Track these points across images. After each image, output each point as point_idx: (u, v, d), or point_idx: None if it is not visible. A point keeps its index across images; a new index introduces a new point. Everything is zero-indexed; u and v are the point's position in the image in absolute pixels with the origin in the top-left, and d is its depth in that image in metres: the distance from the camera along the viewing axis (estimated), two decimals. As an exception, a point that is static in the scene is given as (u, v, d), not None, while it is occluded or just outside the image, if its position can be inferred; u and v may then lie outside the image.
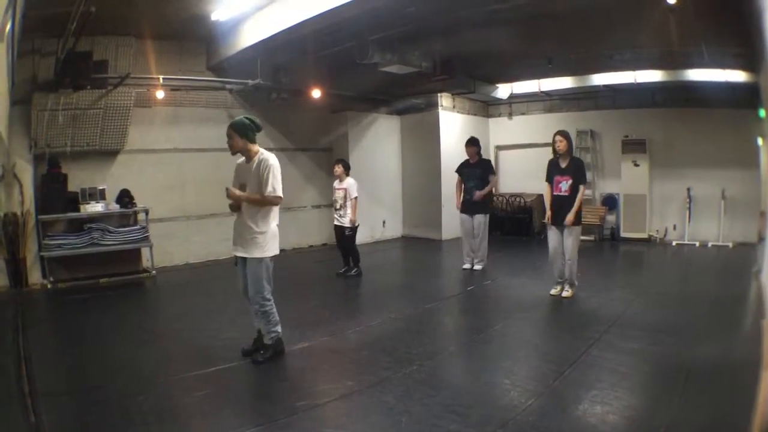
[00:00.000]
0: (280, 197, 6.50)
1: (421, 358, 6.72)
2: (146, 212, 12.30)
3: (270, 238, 6.57)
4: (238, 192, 6.48)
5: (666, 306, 9.04)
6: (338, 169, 11.78)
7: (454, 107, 17.73)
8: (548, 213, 9.63)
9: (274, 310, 6.73)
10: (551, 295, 9.66)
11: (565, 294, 9.51)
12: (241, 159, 6.77)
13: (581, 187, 9.37)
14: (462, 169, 12.35)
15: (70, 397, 5.77)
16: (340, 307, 9.89)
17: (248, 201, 6.48)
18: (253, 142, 6.62)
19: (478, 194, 11.85)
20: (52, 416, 5.19)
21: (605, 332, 7.50)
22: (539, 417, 5.01)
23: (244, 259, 6.61)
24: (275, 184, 6.42)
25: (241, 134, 6.50)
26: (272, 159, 6.51)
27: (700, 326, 7.86)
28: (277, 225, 6.73)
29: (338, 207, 11.75)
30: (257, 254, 6.50)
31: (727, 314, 8.26)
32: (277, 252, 6.70)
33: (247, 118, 6.64)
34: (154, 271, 12.30)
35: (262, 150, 6.62)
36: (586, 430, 4.83)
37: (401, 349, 7.07)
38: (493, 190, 12.42)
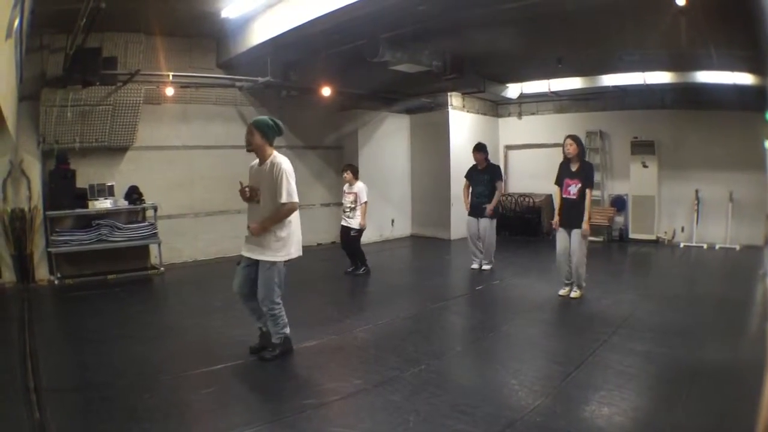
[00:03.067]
0: (296, 203, 6.44)
1: (428, 357, 6.72)
2: (155, 209, 12.31)
3: (286, 242, 6.52)
4: (260, 225, 6.41)
5: (673, 308, 9.03)
6: (347, 175, 11.79)
7: (463, 107, 17.70)
8: (556, 218, 9.63)
9: (283, 313, 6.71)
10: (559, 295, 9.64)
11: (573, 295, 9.49)
12: (255, 161, 6.75)
13: (587, 191, 9.36)
14: (471, 174, 12.40)
15: (75, 394, 5.79)
16: (348, 306, 9.94)
17: (271, 225, 6.43)
18: (271, 144, 6.62)
19: (490, 209, 11.91)
20: (57, 412, 5.20)
21: (613, 333, 7.49)
22: (546, 417, 5.00)
23: (254, 260, 6.58)
24: (290, 190, 6.36)
25: (262, 133, 6.51)
26: (285, 163, 6.45)
27: (706, 328, 7.87)
28: (294, 227, 6.66)
29: (347, 210, 11.79)
30: (270, 257, 6.45)
31: (734, 316, 8.23)
32: (293, 256, 6.65)
33: (271, 119, 6.64)
34: (162, 268, 12.32)
35: (276, 153, 6.59)
36: (592, 431, 4.82)
37: (409, 348, 7.08)
38: (501, 192, 12.34)
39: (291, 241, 6.58)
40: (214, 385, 5.91)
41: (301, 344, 7.07)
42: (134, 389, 5.75)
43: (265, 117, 6.66)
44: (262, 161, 6.59)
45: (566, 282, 9.70)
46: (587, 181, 9.38)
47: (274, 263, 6.47)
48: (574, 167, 9.47)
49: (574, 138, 9.51)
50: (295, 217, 6.62)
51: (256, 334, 6.97)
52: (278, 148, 6.71)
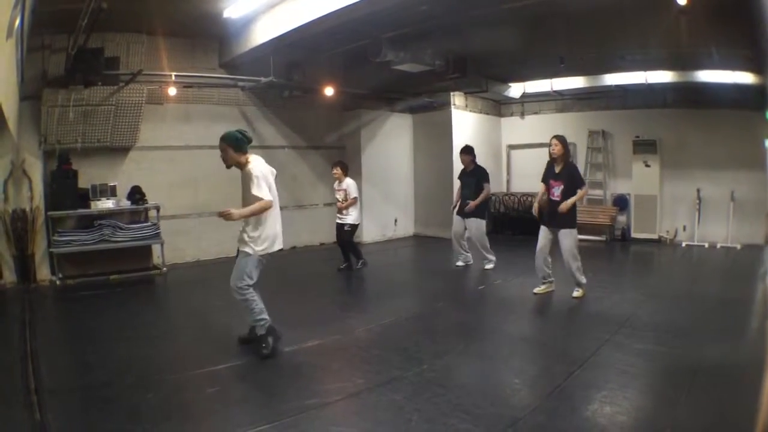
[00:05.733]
0: (264, 200, 6.64)
1: (431, 356, 6.73)
2: (157, 209, 12.31)
3: (263, 239, 6.80)
4: (234, 211, 6.58)
5: (675, 307, 9.03)
6: (337, 171, 12.05)
7: (466, 106, 17.67)
8: (536, 206, 9.84)
9: (255, 297, 6.85)
10: (534, 293, 9.80)
11: (575, 294, 9.46)
12: None
13: (580, 191, 9.45)
14: (461, 177, 12.66)
15: (76, 394, 5.79)
16: (350, 305, 9.93)
17: (245, 216, 6.72)
18: (245, 152, 6.85)
19: (472, 205, 12.08)
20: (58, 414, 5.20)
21: (615, 333, 7.49)
22: (549, 417, 5.01)
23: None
24: (256, 191, 6.61)
25: (234, 147, 6.77)
26: (256, 168, 6.73)
27: (708, 327, 7.87)
28: (271, 227, 6.90)
29: (341, 208, 12.04)
30: (247, 249, 6.76)
31: (735, 315, 8.24)
32: (269, 250, 6.88)
33: (238, 131, 6.91)
34: (164, 268, 12.32)
35: (251, 159, 6.87)
36: (595, 431, 4.82)
37: (411, 347, 7.08)
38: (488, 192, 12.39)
39: (266, 237, 6.83)
40: (217, 385, 5.92)
41: (303, 344, 7.11)
42: (136, 389, 5.76)
43: (232, 131, 6.91)
44: (243, 170, 6.82)
45: (543, 280, 9.85)
46: (575, 183, 9.42)
47: (249, 254, 6.76)
48: (557, 168, 9.51)
49: (560, 138, 9.51)
50: (270, 216, 6.87)
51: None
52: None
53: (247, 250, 6.74)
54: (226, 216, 6.48)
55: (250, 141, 6.89)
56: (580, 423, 4.96)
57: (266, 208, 6.65)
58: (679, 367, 6.32)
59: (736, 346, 6.80)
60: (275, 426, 4.90)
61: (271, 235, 6.85)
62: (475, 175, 12.24)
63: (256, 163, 6.78)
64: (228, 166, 6.89)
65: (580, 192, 9.40)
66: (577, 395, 5.58)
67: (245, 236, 6.79)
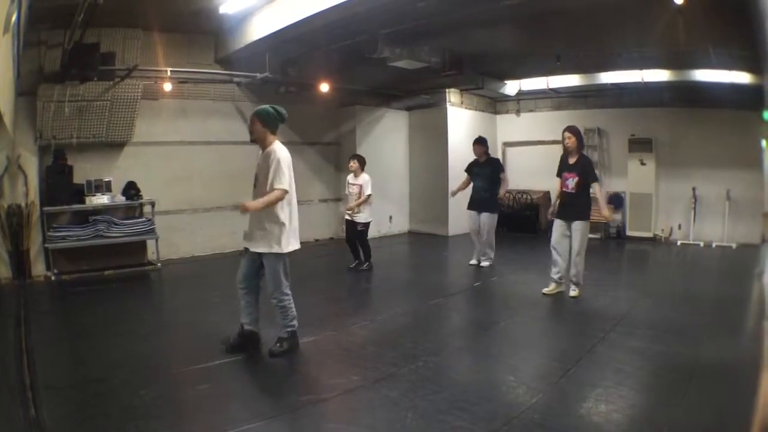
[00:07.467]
0: (284, 190, 6.40)
1: (426, 353, 6.73)
2: (152, 204, 12.25)
3: (290, 233, 6.56)
4: (250, 204, 6.37)
5: (670, 305, 9.06)
6: (354, 164, 11.84)
7: (462, 103, 17.68)
8: (552, 207, 9.75)
9: (292, 304, 6.73)
10: (544, 293, 9.65)
11: (572, 294, 9.42)
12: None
13: (596, 185, 9.41)
14: (471, 168, 12.45)
15: (71, 390, 5.75)
16: (346, 302, 9.94)
17: (260, 207, 6.39)
18: (273, 133, 6.64)
19: (502, 193, 12.17)
20: (52, 409, 5.17)
21: (610, 331, 7.51)
22: (544, 414, 5.01)
23: (257, 252, 6.60)
24: (281, 177, 6.37)
25: (263, 122, 6.53)
26: (281, 151, 6.49)
27: (703, 326, 7.88)
28: (294, 218, 6.69)
29: (353, 203, 11.81)
30: (276, 249, 6.47)
31: (730, 314, 8.27)
32: (296, 247, 6.70)
33: (273, 107, 6.65)
34: (159, 264, 12.25)
35: (276, 142, 6.62)
36: (590, 429, 4.84)
37: (407, 344, 7.08)
38: (507, 182, 12.39)
39: (291, 232, 6.59)
40: (211, 382, 5.90)
41: (299, 340, 7.06)
42: (130, 385, 5.74)
43: (266, 106, 6.66)
44: (264, 149, 6.62)
45: (555, 278, 9.66)
46: (585, 175, 9.34)
47: (280, 255, 6.51)
48: (572, 160, 9.45)
49: (573, 131, 9.47)
50: (294, 209, 6.66)
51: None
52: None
53: (275, 250, 6.49)
54: (242, 209, 6.33)
55: (282, 120, 6.67)
56: (576, 421, 4.97)
57: (280, 198, 6.41)
58: (674, 365, 6.33)
59: (731, 345, 6.83)
60: (269, 422, 4.92)
61: (293, 230, 6.66)
62: (489, 165, 12.16)
63: (281, 148, 6.56)
64: (252, 140, 6.71)
65: (596, 186, 9.44)
66: (572, 393, 5.60)
67: (270, 234, 6.48)
